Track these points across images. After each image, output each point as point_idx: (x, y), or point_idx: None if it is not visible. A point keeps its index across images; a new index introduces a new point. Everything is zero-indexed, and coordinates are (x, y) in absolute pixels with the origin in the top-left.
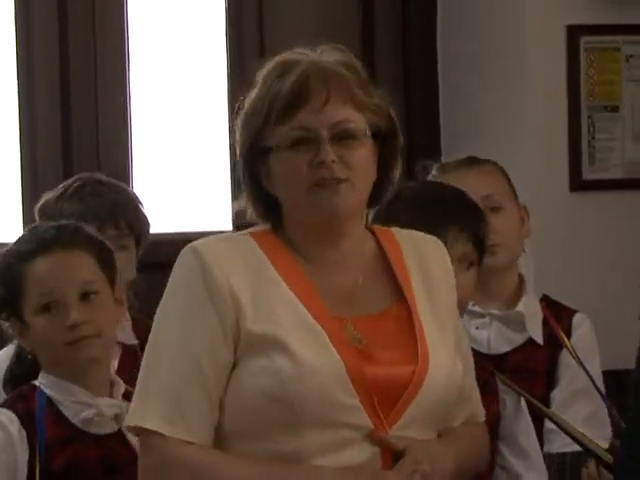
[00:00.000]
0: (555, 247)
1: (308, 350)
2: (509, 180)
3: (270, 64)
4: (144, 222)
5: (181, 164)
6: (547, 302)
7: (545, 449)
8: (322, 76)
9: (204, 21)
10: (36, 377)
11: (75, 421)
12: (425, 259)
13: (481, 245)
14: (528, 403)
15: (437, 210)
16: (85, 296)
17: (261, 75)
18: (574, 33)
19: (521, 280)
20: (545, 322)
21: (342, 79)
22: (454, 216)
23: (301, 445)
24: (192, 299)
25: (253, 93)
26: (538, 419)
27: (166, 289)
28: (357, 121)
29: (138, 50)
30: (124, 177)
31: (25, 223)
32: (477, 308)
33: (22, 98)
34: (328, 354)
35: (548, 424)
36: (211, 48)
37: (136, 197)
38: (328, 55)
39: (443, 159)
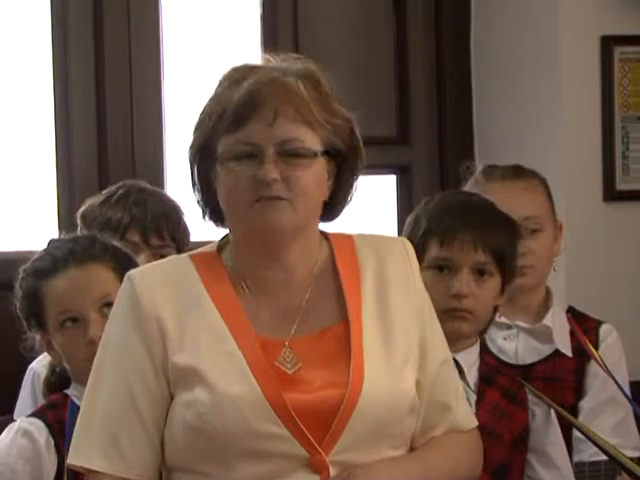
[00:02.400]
0: (588, 257)
1: (225, 379)
2: (550, 196)
3: (228, 69)
4: (185, 232)
5: None
6: (573, 314)
7: (575, 458)
8: (274, 89)
9: (238, 26)
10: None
11: None
12: (384, 264)
13: (502, 257)
14: (557, 414)
15: (450, 218)
16: (106, 307)
17: (218, 79)
18: (608, 44)
19: (548, 293)
20: (572, 334)
21: (295, 93)
22: (466, 225)
23: (235, 477)
24: (123, 331)
25: (210, 97)
26: (567, 428)
27: (109, 317)
28: (307, 140)
29: (172, 55)
30: (159, 183)
31: (60, 228)
32: (504, 319)
33: (57, 103)
34: (245, 382)
35: (577, 433)
36: (245, 53)
37: (178, 206)
38: (289, 65)
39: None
